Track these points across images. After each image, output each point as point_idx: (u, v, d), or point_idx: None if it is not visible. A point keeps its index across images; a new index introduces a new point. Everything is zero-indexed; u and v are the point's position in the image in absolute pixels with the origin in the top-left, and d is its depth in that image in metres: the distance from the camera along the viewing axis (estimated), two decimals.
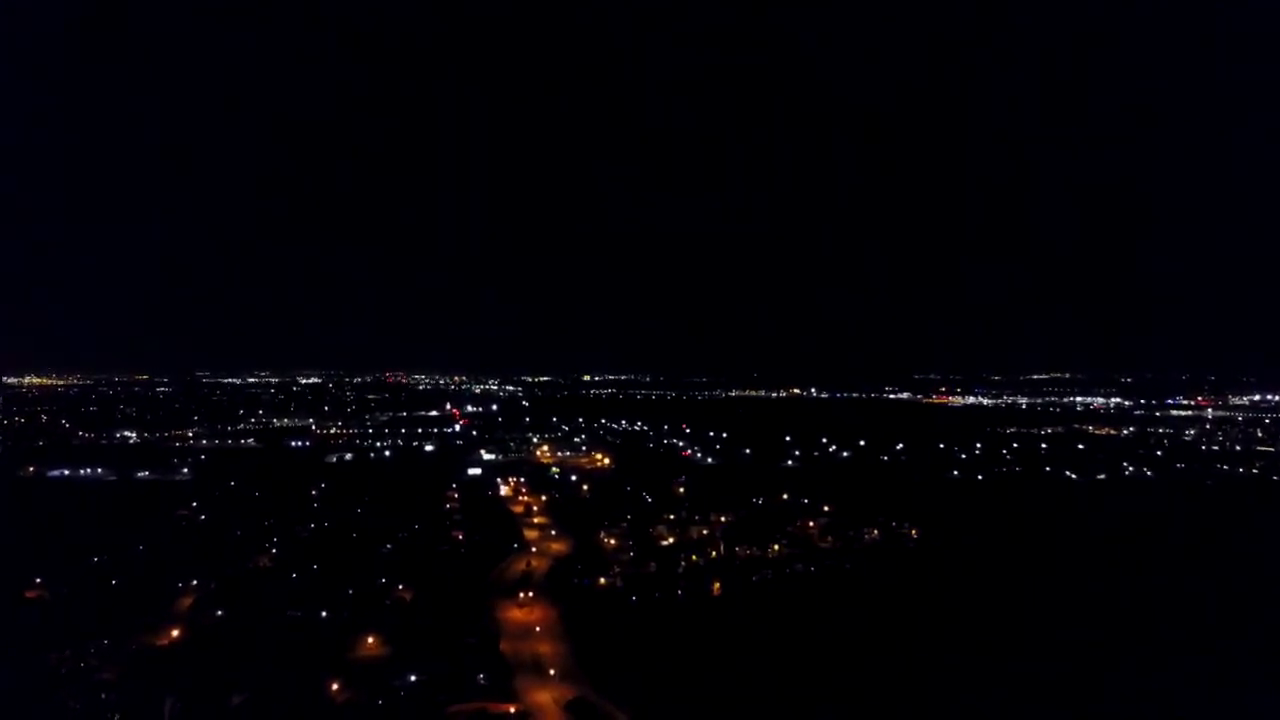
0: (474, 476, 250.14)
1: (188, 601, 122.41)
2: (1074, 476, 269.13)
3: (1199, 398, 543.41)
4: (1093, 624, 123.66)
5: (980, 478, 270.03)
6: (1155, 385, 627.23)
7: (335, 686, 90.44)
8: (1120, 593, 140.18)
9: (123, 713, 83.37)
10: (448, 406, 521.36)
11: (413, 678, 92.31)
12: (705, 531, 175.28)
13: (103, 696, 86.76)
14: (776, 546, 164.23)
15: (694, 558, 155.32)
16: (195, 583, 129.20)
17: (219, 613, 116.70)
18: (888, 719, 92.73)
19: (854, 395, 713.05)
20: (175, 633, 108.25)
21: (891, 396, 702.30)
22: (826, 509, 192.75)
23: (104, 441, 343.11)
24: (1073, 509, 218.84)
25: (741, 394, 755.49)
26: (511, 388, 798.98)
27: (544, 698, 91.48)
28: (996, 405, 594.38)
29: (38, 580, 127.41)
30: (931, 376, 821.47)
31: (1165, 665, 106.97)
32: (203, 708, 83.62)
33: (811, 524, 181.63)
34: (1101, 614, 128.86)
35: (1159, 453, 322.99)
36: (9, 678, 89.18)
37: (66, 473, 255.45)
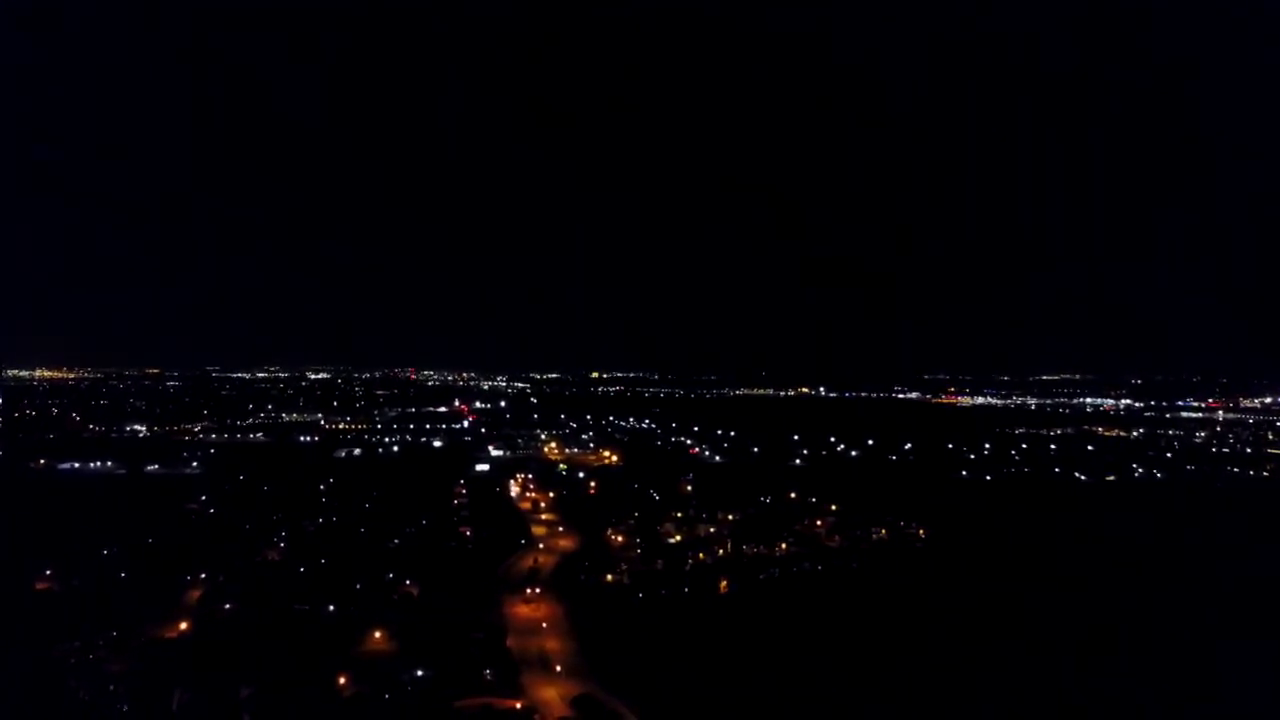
0: (482, 473, 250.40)
1: (196, 594, 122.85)
2: (1083, 478, 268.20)
3: (1210, 400, 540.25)
4: (1098, 626, 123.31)
5: (988, 478, 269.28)
6: (1166, 387, 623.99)
7: (343, 680, 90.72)
8: (1126, 595, 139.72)
9: (131, 704, 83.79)
10: (456, 403, 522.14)
11: (419, 672, 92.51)
12: (712, 529, 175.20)
13: (111, 688, 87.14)
14: (784, 545, 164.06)
15: (701, 555, 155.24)
16: (204, 576, 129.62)
17: (227, 606, 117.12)
18: (893, 718, 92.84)
19: (862, 395, 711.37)
20: (184, 625, 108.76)
21: (900, 396, 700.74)
22: (834, 508, 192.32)
23: (114, 435, 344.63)
24: (1081, 510, 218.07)
25: (749, 392, 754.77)
26: (520, 385, 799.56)
27: (550, 694, 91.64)
28: (1005, 406, 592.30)
29: (47, 572, 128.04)
30: (940, 376, 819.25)
31: (1167, 666, 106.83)
32: (211, 700, 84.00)
33: (819, 523, 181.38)
34: (1107, 616, 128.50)
35: (1169, 455, 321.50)
36: (19, 669, 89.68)
37: (76, 465, 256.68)
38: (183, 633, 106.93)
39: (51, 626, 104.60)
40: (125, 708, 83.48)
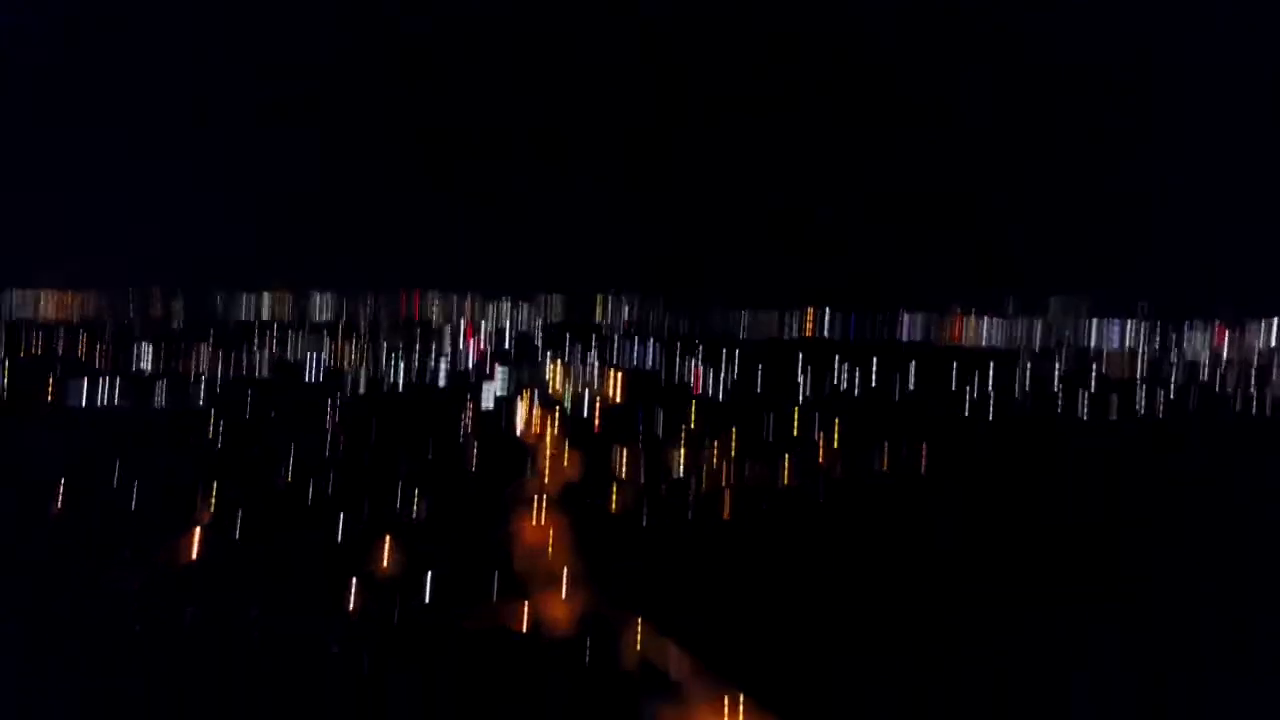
0: (486, 401, 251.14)
1: (206, 519, 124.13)
2: (1086, 411, 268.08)
3: (1218, 324, 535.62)
4: (1101, 564, 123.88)
5: (991, 413, 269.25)
6: (1173, 312, 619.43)
7: (352, 599, 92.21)
8: (1128, 532, 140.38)
9: (143, 624, 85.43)
10: (460, 324, 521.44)
11: (427, 592, 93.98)
12: (716, 460, 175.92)
13: (124, 608, 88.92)
14: (787, 475, 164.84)
15: (704, 484, 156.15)
16: (213, 502, 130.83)
17: (237, 530, 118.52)
18: (890, 641, 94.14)
19: (866, 336, 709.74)
20: (194, 547, 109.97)
21: (904, 338, 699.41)
22: (838, 440, 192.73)
23: (119, 364, 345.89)
24: (1084, 444, 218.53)
25: (755, 315, 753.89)
26: (524, 307, 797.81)
27: (558, 611, 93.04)
28: (1009, 332, 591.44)
29: (58, 502, 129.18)
30: (945, 301, 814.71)
31: (1167, 609, 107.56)
32: (222, 618, 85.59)
33: (822, 454, 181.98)
34: (1110, 553, 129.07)
35: (1173, 385, 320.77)
36: (30, 592, 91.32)
37: (82, 395, 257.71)
38: (193, 555, 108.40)
39: (63, 551, 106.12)
40: (137, 627, 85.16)
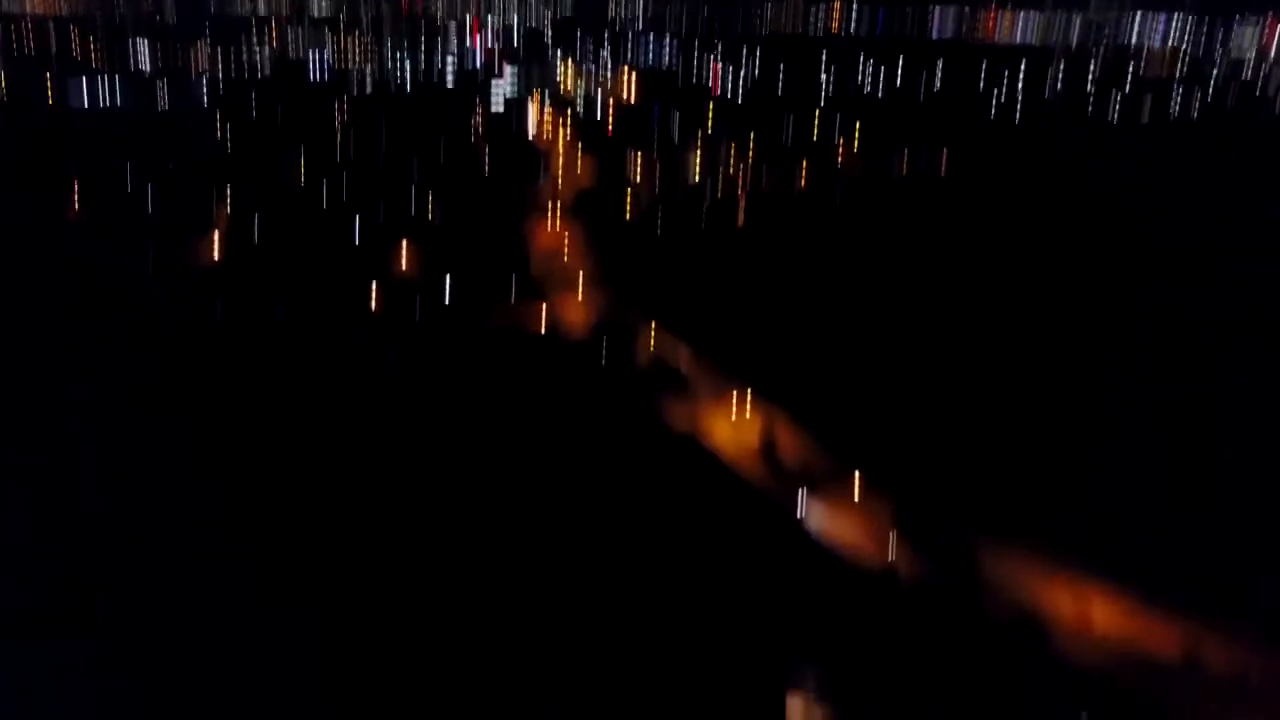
0: (496, 106, 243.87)
1: (224, 222, 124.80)
2: (1116, 114, 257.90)
3: (1270, 16, 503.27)
4: (1116, 267, 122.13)
5: (1018, 115, 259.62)
6: (1222, 4, 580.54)
7: (373, 300, 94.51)
8: (1144, 236, 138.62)
9: (175, 316, 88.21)
10: (466, 20, 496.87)
11: (446, 292, 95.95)
12: (732, 165, 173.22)
13: (151, 308, 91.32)
14: (804, 179, 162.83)
15: (719, 192, 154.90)
16: (228, 206, 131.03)
17: (256, 233, 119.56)
18: (898, 342, 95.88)
19: (894, 32, 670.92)
20: (215, 248, 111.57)
21: (934, 35, 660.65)
22: (858, 144, 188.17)
23: (116, 65, 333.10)
24: (1109, 148, 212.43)
25: (778, 9, 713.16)
26: (532, 5, 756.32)
27: (575, 315, 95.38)
28: (1046, 29, 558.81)
29: (75, 207, 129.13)
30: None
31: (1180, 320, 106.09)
32: (248, 318, 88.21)
33: (841, 158, 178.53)
34: (1125, 259, 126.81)
35: (1213, 86, 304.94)
36: (59, 296, 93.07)
37: (84, 98, 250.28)
38: (216, 259, 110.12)
39: (86, 256, 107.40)
40: (170, 320, 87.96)
